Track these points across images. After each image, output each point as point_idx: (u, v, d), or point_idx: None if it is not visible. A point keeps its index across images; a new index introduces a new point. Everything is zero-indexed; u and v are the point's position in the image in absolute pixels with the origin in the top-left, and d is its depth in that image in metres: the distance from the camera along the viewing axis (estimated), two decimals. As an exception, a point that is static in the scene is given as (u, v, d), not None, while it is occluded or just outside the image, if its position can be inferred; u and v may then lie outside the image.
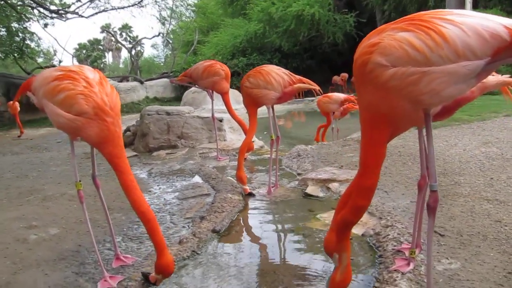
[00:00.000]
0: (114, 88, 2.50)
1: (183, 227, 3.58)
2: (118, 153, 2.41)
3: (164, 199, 4.44)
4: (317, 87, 4.26)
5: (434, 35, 1.58)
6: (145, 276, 2.54)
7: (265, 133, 9.17)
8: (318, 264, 2.86)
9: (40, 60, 28.08)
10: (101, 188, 2.90)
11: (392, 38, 1.66)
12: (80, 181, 2.68)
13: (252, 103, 4.38)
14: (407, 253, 2.64)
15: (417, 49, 1.59)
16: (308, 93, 17.04)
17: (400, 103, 1.72)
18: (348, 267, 2.19)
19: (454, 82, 1.61)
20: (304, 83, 4.22)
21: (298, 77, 4.26)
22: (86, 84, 2.34)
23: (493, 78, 2.42)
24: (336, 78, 19.37)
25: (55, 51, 30.74)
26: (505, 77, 2.44)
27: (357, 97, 1.87)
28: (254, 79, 4.23)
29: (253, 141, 7.37)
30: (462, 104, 2.41)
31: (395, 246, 2.82)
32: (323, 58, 22.43)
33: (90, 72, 2.44)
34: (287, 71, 4.28)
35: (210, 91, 6.34)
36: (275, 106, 4.43)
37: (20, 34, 19.72)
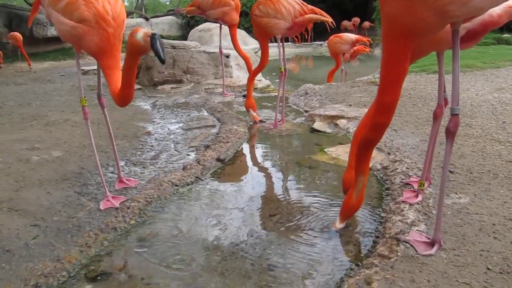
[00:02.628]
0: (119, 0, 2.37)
1: (187, 155, 3.53)
2: (111, 65, 2.34)
3: (168, 128, 4.37)
4: (329, 19, 4.06)
5: None
6: None
7: (273, 74, 8.98)
8: (324, 194, 2.82)
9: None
10: (105, 107, 2.80)
11: None
12: (85, 97, 2.59)
13: (262, 33, 4.20)
14: (415, 185, 2.59)
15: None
16: (317, 37, 16.60)
17: (425, 14, 1.57)
18: (362, 191, 2.15)
19: (486, -10, 1.46)
20: (316, 13, 4.02)
21: (310, 7, 4.05)
22: None
23: (524, 4, 2.25)
24: (345, 23, 18.76)
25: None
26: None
27: (379, 7, 1.72)
28: (264, 7, 4.04)
29: (259, 80, 7.24)
30: (488, 29, 2.24)
31: (403, 179, 2.76)
32: (335, 2, 21.66)
33: None
34: (299, 1, 4.06)
35: (220, 23, 6.10)
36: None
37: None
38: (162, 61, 2.03)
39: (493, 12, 2.05)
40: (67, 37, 2.35)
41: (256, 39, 4.38)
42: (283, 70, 4.26)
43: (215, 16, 5.82)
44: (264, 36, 4.25)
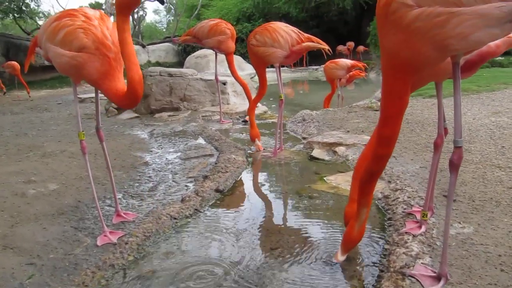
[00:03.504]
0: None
1: (186, 186, 3.49)
2: (117, 86, 2.29)
3: (166, 158, 4.34)
4: (326, 46, 4.08)
5: None
6: None
7: (271, 99, 9.01)
8: (325, 226, 2.78)
9: (40, 22, 27.60)
10: (104, 141, 2.77)
11: None
12: (83, 131, 2.56)
13: (259, 62, 4.22)
14: (418, 216, 2.55)
15: (446, -14, 1.44)
16: (312, 61, 16.70)
17: (424, 48, 1.57)
18: (364, 222, 2.14)
19: (485, 25, 1.45)
20: (313, 41, 4.04)
21: (306, 35, 4.08)
22: (85, 19, 2.23)
23: (521, 33, 2.26)
24: (340, 47, 18.96)
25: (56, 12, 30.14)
26: (533, 33, 2.28)
27: (379, 41, 1.72)
28: (260, 36, 4.06)
29: (256, 106, 7.25)
30: (486, 59, 2.25)
31: (405, 209, 2.73)
32: (329, 28, 21.95)
33: (90, 10, 2.34)
34: (295, 29, 4.09)
35: (216, 51, 6.15)
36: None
37: (19, -7, 19.26)
38: (162, 2, 1.97)
39: (491, 42, 2.06)
40: (67, 69, 2.33)
41: (252, 65, 4.40)
42: (282, 97, 4.26)
43: (211, 45, 5.86)
44: (261, 64, 4.26)
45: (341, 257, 2.23)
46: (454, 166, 1.75)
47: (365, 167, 1.99)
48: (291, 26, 4.11)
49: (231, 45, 5.76)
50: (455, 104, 1.71)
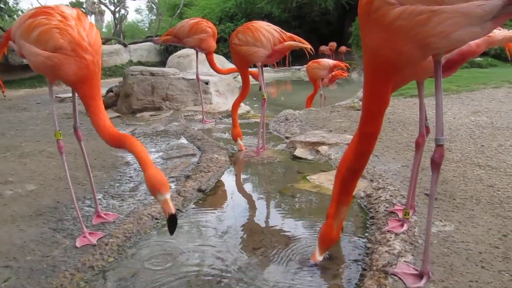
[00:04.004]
0: (94, 26, 2.31)
1: (167, 186, 3.44)
2: (92, 94, 2.26)
3: (148, 158, 4.27)
4: (308, 46, 4.08)
5: None
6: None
7: (254, 99, 8.99)
8: (308, 225, 2.77)
9: (19, 19, 27.02)
10: (82, 141, 2.72)
11: None
12: (59, 130, 2.50)
13: (242, 61, 4.20)
14: (400, 214, 2.56)
15: (428, -16, 1.44)
16: (295, 61, 16.73)
17: (406, 47, 1.56)
18: (342, 221, 2.14)
19: (467, 23, 1.46)
20: (295, 40, 4.04)
21: (289, 34, 4.07)
22: (61, 18, 2.16)
23: (500, 33, 2.28)
24: (323, 48, 19.03)
25: (35, 11, 29.50)
26: (512, 32, 2.31)
27: (361, 40, 1.71)
28: (243, 35, 4.04)
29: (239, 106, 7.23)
30: (466, 58, 2.27)
31: (387, 207, 2.74)
32: (311, 28, 22.00)
33: (67, 8, 2.26)
34: (278, 28, 4.08)
35: (197, 50, 6.10)
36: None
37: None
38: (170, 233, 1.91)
39: (472, 42, 2.08)
40: (42, 69, 2.26)
41: (235, 65, 4.37)
42: (265, 97, 4.24)
43: (192, 43, 5.81)
44: (244, 64, 4.24)
45: (319, 257, 2.19)
46: (435, 164, 1.75)
47: (347, 165, 1.99)
48: (273, 25, 4.10)
49: (212, 43, 5.73)
50: (437, 102, 1.71)
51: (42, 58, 2.18)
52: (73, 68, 2.17)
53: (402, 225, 2.42)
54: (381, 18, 1.55)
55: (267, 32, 3.99)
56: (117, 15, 23.11)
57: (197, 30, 5.65)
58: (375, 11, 1.57)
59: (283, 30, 4.08)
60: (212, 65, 5.92)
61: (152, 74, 7.32)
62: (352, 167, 1.98)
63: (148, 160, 2.04)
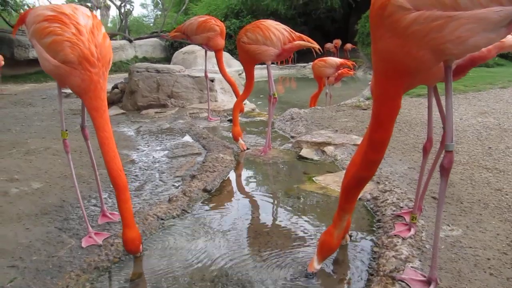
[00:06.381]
0: (107, 37, 2.29)
1: (173, 185, 3.44)
2: (96, 106, 2.23)
3: (153, 157, 4.27)
4: (316, 46, 4.06)
5: None
6: None
7: (261, 96, 8.96)
8: (314, 228, 2.75)
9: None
10: (89, 139, 2.71)
11: None
12: (66, 130, 2.50)
13: (249, 59, 4.18)
14: (407, 217, 2.54)
15: (445, -10, 1.41)
16: (300, 59, 16.70)
17: (421, 53, 1.54)
18: (343, 231, 2.12)
19: (482, 29, 1.43)
20: (304, 40, 4.02)
21: (298, 34, 4.05)
22: (75, 31, 2.14)
23: (511, 38, 2.25)
24: (328, 45, 18.97)
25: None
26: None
27: (371, 44, 1.69)
28: (252, 34, 4.01)
29: (244, 104, 7.22)
30: (477, 63, 2.24)
31: (394, 211, 2.72)
32: (317, 25, 21.94)
33: (82, 18, 2.22)
34: (287, 27, 4.06)
35: (205, 48, 6.08)
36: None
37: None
38: None
39: (484, 47, 2.05)
40: (50, 74, 2.26)
41: (240, 63, 4.36)
42: (276, 96, 4.24)
43: (200, 41, 5.80)
44: (251, 62, 4.23)
45: (317, 266, 2.14)
46: (445, 170, 1.73)
47: (353, 172, 1.95)
48: (282, 25, 4.08)
49: (220, 42, 5.71)
50: (447, 108, 1.69)
51: (50, 66, 2.18)
52: (77, 80, 2.16)
53: (409, 230, 2.40)
54: (395, 23, 1.52)
55: (277, 31, 3.97)
56: (122, 10, 23.07)
57: (205, 28, 5.63)
58: (389, 16, 1.54)
59: (292, 30, 4.06)
60: (220, 65, 5.90)
61: (157, 71, 7.31)
62: (358, 175, 1.94)
63: (129, 219, 2.31)
